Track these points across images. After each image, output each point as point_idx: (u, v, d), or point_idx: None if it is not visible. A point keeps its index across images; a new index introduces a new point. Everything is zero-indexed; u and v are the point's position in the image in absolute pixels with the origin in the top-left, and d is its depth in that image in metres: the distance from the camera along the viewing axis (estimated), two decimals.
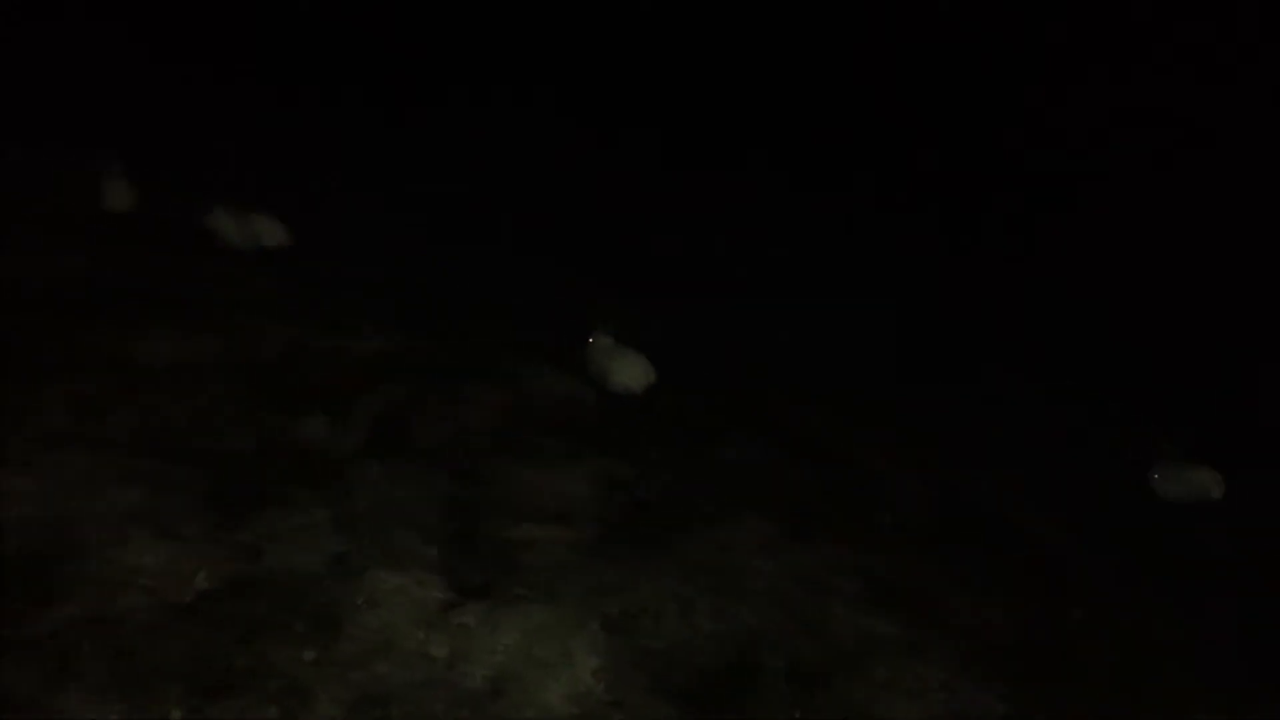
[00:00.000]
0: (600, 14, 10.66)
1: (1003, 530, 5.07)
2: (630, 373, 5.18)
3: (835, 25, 10.56)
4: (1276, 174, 8.13)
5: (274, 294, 5.79)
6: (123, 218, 6.36)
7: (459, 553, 3.53)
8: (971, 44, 10.10)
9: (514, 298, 6.74)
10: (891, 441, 5.75)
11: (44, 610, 3.01)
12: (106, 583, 3.14)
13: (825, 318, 7.43)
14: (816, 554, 4.11)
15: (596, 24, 10.68)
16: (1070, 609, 4.34)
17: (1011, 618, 4.14)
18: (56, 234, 5.80)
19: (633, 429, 4.89)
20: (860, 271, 8.56)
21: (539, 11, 10.69)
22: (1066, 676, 3.80)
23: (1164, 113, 8.80)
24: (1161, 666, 4.02)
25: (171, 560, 3.26)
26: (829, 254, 8.78)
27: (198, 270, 5.90)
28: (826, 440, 5.48)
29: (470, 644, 3.09)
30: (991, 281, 8.42)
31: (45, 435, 3.86)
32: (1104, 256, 8.47)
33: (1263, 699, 3.97)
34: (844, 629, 3.68)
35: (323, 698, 2.82)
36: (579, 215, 8.75)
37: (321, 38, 10.24)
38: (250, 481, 3.76)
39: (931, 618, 3.95)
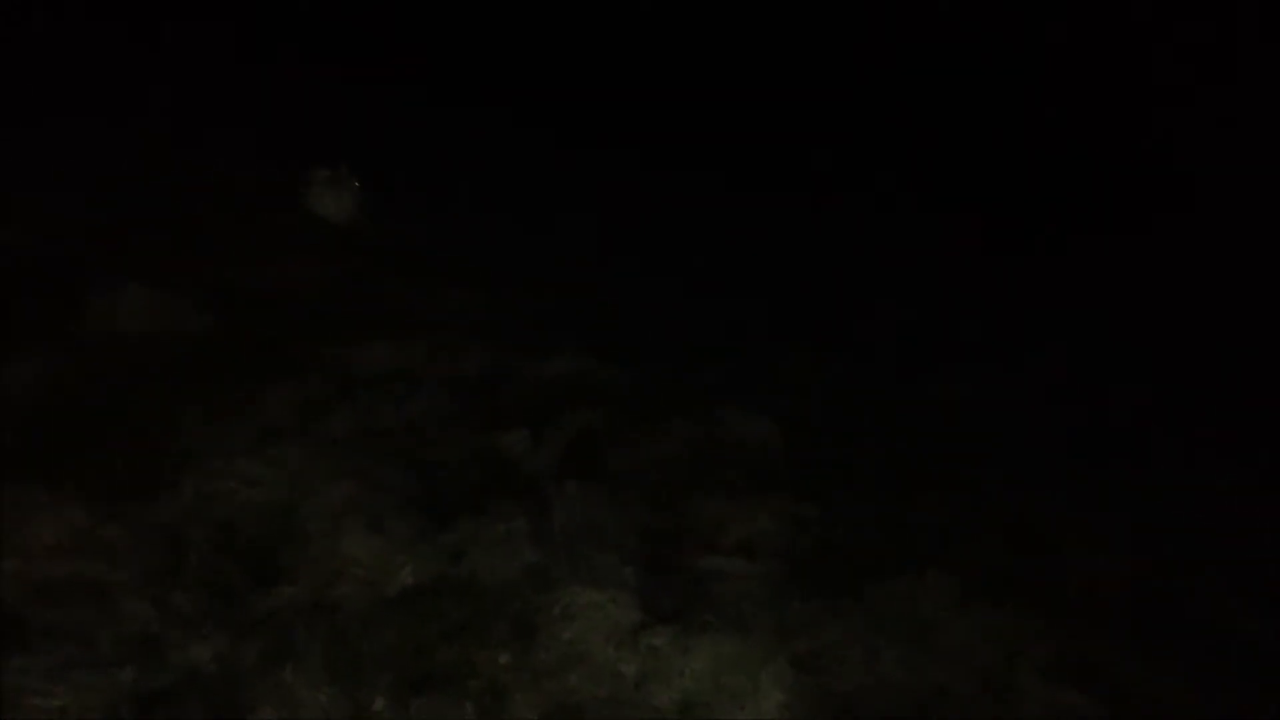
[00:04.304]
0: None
1: (1200, 611, 4.80)
2: None
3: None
4: None
5: (472, 310, 6.03)
6: (336, 228, 6.74)
7: (651, 576, 3.60)
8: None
9: (696, 332, 6.81)
10: (1082, 507, 5.53)
11: (268, 591, 3.23)
12: (324, 570, 3.34)
13: (1011, 374, 7.22)
14: (1006, 617, 3.98)
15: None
16: (1271, 701, 4.09)
17: (1208, 703, 3.93)
18: (285, 241, 6.21)
19: (820, 472, 4.87)
20: (1044, 329, 8.31)
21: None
22: None
23: None
24: None
25: (382, 554, 3.44)
26: (1009, 312, 8.55)
27: (403, 283, 6.22)
28: (1014, 503, 5.32)
29: (660, 665, 3.14)
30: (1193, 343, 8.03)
31: (271, 431, 4.14)
32: None
33: None
34: (1034, 698, 3.57)
35: (519, 701, 2.92)
36: (768, 259, 8.80)
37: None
38: (455, 488, 3.94)
39: (1124, 696, 3.78)
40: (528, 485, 4.07)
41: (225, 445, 3.95)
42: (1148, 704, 3.80)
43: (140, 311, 4.85)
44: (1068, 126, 10.69)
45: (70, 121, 7.09)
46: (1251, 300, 8.59)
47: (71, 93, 7.43)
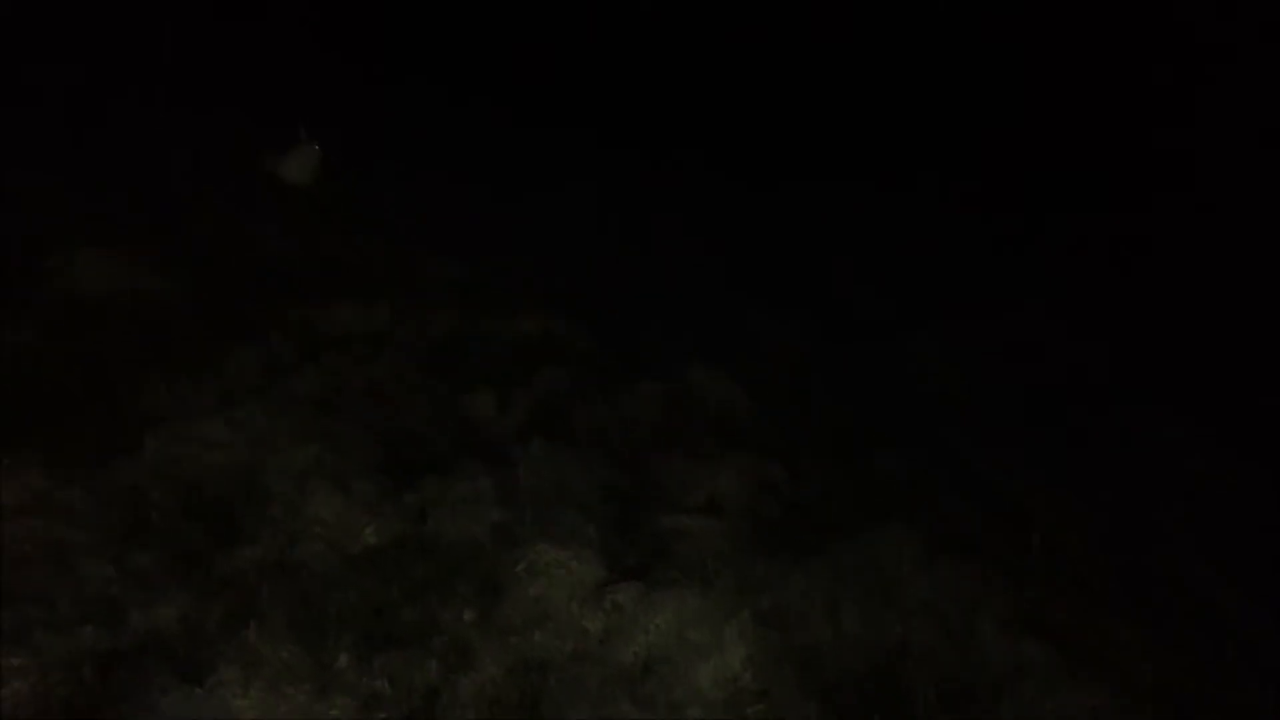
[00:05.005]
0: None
1: (1158, 565, 4.89)
2: None
3: None
4: None
5: (439, 273, 5.99)
6: (303, 190, 6.65)
7: (616, 534, 3.62)
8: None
9: (664, 296, 6.81)
10: (1045, 469, 5.60)
11: (232, 552, 3.22)
12: (287, 531, 3.34)
13: (980, 338, 7.27)
14: (968, 572, 4.03)
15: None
16: (1224, 650, 4.17)
17: (1163, 653, 4.01)
18: (248, 206, 6.13)
19: (787, 432, 4.90)
20: (1015, 289, 8.38)
21: None
22: (1216, 716, 3.67)
23: None
24: None
25: (346, 514, 3.44)
26: (979, 271, 8.62)
27: (370, 246, 6.16)
28: (981, 463, 5.38)
29: (624, 621, 3.16)
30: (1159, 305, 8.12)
31: (235, 392, 4.11)
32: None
33: None
34: (994, 648, 3.62)
35: (484, 658, 2.94)
36: (737, 225, 8.82)
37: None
38: (420, 448, 3.93)
39: (1082, 647, 3.85)
40: (493, 445, 4.08)
41: (188, 407, 3.92)
42: (1106, 655, 3.87)
43: (101, 275, 4.79)
44: (1046, 104, 10.75)
45: (31, 89, 6.98)
46: (1223, 271, 8.67)
47: (34, 60, 7.31)
